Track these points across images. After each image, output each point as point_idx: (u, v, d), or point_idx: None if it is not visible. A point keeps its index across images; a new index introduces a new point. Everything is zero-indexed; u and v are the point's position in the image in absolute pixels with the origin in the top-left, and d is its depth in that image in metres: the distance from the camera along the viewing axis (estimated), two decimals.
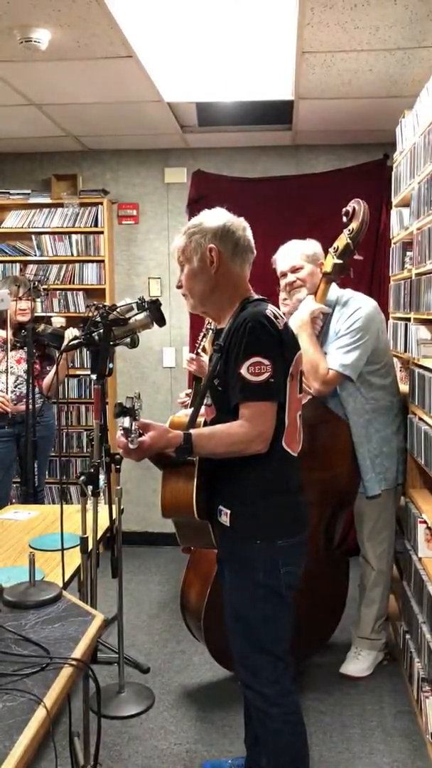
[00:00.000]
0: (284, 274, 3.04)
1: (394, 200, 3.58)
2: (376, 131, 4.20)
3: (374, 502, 3.05)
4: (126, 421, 1.86)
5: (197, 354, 2.99)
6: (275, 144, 4.66)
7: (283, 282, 3.06)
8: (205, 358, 2.86)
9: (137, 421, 1.87)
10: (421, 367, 2.80)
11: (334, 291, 2.99)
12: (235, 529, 2.02)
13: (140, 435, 1.88)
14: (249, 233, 2.08)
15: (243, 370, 1.88)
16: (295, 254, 3.02)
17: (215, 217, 2.06)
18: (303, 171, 4.71)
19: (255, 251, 2.11)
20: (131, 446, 1.85)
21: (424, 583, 2.66)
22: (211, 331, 2.83)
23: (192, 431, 1.94)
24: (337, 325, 2.93)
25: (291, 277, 3.02)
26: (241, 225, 2.07)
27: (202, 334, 2.99)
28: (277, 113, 4.05)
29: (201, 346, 2.98)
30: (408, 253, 3.22)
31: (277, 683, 2.05)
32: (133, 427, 1.86)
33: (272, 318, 1.94)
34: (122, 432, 1.87)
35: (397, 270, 3.53)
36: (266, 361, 1.87)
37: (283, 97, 3.74)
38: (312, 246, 3.05)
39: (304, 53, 3.07)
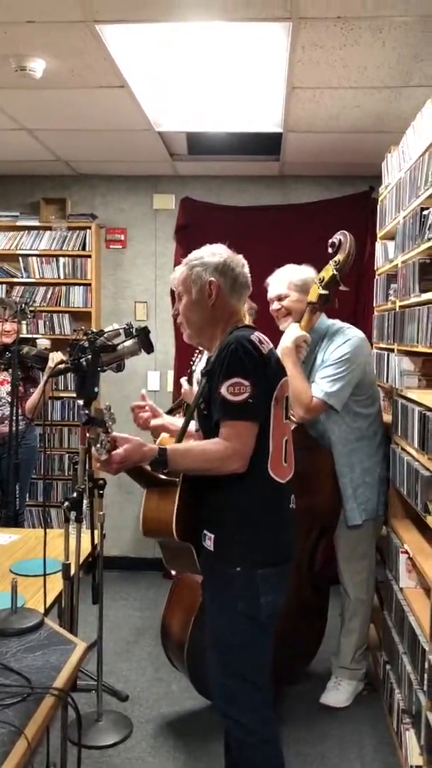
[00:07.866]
0: (272, 301, 3.07)
1: (379, 233, 3.63)
2: (362, 164, 4.29)
3: (354, 531, 3.07)
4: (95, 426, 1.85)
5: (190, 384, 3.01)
6: (263, 174, 4.73)
7: (271, 308, 3.08)
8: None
9: (108, 434, 1.88)
10: (403, 397, 2.84)
11: (324, 321, 3.02)
12: (217, 554, 2.02)
13: (112, 447, 1.89)
14: (247, 270, 2.12)
15: (223, 389, 1.91)
16: (282, 281, 3.03)
17: (216, 252, 2.10)
18: (290, 201, 4.78)
19: (251, 287, 2.14)
20: (100, 457, 1.87)
21: (405, 613, 2.66)
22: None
23: (167, 446, 1.96)
24: (324, 355, 2.96)
25: (276, 305, 3.04)
26: (241, 262, 2.11)
27: (189, 370, 2.99)
28: (266, 144, 4.12)
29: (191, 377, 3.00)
30: (392, 285, 3.27)
31: (254, 711, 2.03)
32: (100, 438, 1.86)
33: (256, 342, 1.96)
34: (93, 443, 1.89)
35: (381, 301, 3.58)
36: (246, 382, 1.90)
37: (272, 129, 3.81)
38: (304, 273, 3.03)
39: (294, 88, 3.14)
